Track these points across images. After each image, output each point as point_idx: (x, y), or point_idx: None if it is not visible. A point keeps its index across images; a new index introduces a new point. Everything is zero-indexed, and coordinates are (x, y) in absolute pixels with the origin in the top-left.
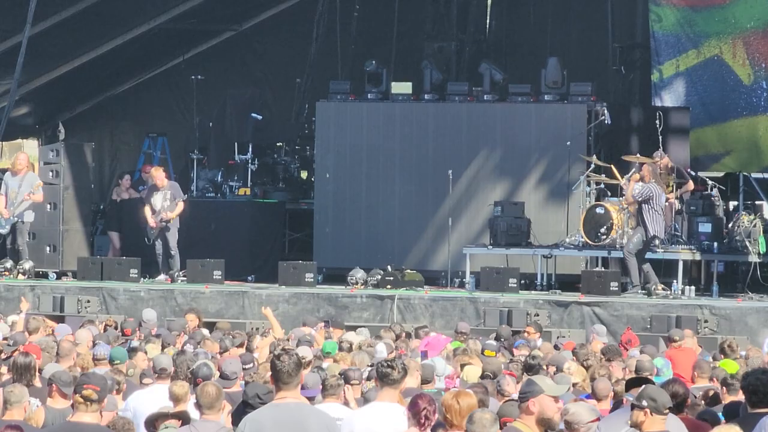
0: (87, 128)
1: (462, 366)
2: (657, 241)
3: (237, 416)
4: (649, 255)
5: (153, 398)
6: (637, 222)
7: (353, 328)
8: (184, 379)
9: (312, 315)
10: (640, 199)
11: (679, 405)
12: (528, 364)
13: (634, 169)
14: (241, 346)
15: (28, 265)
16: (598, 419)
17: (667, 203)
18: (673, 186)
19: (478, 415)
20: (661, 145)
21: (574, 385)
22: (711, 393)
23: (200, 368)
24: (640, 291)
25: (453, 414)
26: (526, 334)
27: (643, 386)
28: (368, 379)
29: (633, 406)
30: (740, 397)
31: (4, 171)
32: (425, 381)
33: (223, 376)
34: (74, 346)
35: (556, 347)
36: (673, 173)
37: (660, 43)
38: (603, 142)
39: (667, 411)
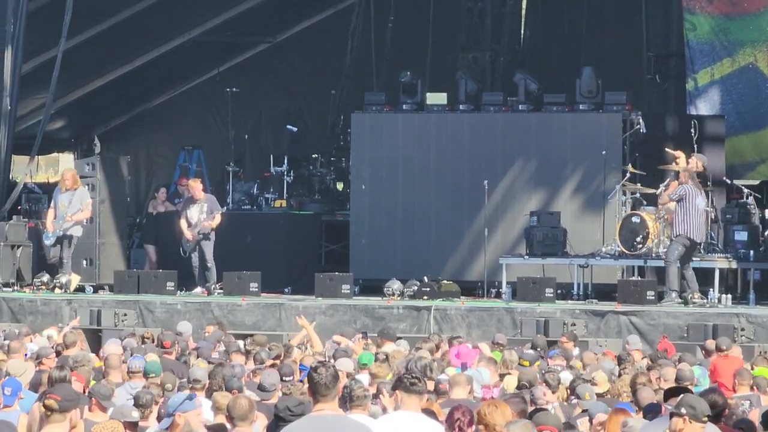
0: (122, 141)
1: (501, 376)
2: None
3: (272, 429)
4: None
5: None
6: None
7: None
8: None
9: (349, 326)
10: (675, 198)
11: (717, 414)
12: (571, 381)
13: (669, 178)
14: (277, 358)
15: (65, 278)
16: None
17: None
18: (710, 195)
19: (513, 427)
20: (696, 152)
21: (600, 395)
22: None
23: (231, 380)
24: (677, 299)
25: (488, 424)
26: (560, 344)
27: (682, 395)
28: (393, 389)
29: (672, 414)
30: None
31: (41, 185)
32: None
33: (261, 388)
34: (121, 359)
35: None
36: (708, 181)
37: (695, 51)
38: (638, 151)
39: (706, 419)
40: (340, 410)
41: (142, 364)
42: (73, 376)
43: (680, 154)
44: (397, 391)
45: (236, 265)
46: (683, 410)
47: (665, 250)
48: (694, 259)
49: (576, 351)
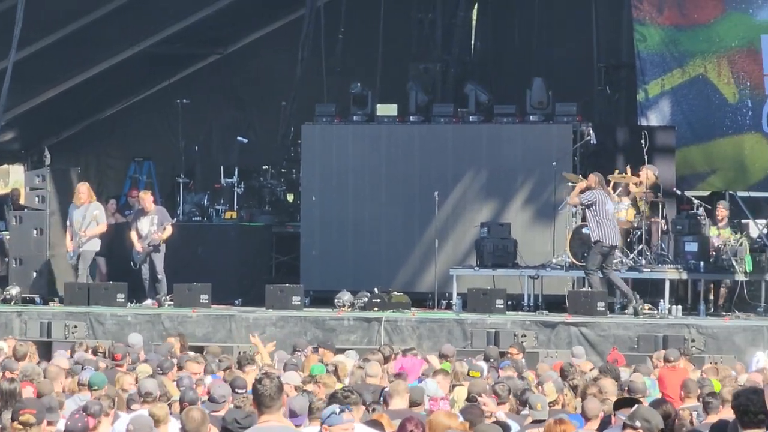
0: (73, 153)
1: (452, 387)
2: (616, 252)
3: None
4: (636, 275)
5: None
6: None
7: (341, 351)
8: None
9: (299, 338)
10: (585, 203)
11: (669, 426)
12: (519, 388)
13: (620, 189)
14: (227, 369)
15: (14, 290)
16: None
17: (624, 216)
18: (660, 206)
19: None
20: (646, 163)
21: (550, 404)
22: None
23: (186, 393)
24: (633, 305)
25: None
26: (509, 355)
27: (636, 406)
28: (329, 403)
29: (625, 426)
30: (720, 415)
31: None
32: (415, 403)
33: (212, 399)
34: (60, 371)
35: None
36: (658, 191)
37: (645, 62)
38: (589, 162)
39: None
40: (286, 421)
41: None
42: (28, 386)
43: (576, 180)
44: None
45: (187, 277)
46: (638, 423)
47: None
48: (643, 270)
49: (522, 362)
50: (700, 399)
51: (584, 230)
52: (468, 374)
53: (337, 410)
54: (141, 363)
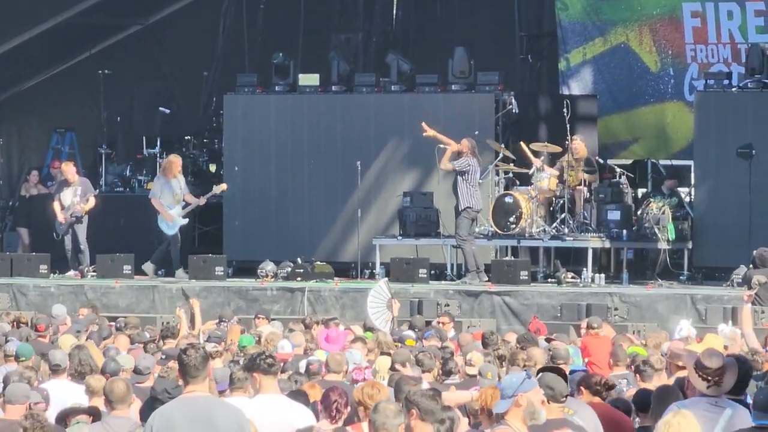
0: None
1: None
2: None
3: (146, 411)
4: (558, 243)
5: (51, 395)
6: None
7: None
8: (78, 373)
9: (223, 308)
10: (459, 169)
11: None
12: (443, 358)
13: (543, 157)
14: (152, 341)
15: None
16: None
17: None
18: (583, 178)
19: (382, 406)
20: (569, 133)
21: (474, 376)
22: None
23: (108, 364)
24: (482, 276)
25: (368, 406)
26: (440, 325)
27: (540, 374)
28: (248, 371)
29: None
30: (653, 383)
31: None
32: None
33: (137, 371)
34: None
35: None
36: (585, 162)
37: (567, 31)
38: (511, 131)
39: (565, 399)
40: (212, 392)
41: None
42: None
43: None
44: (255, 374)
45: (109, 248)
46: (542, 391)
47: (456, 228)
48: (566, 238)
49: (452, 332)
50: (630, 367)
51: (507, 199)
52: (405, 343)
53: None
54: (63, 334)
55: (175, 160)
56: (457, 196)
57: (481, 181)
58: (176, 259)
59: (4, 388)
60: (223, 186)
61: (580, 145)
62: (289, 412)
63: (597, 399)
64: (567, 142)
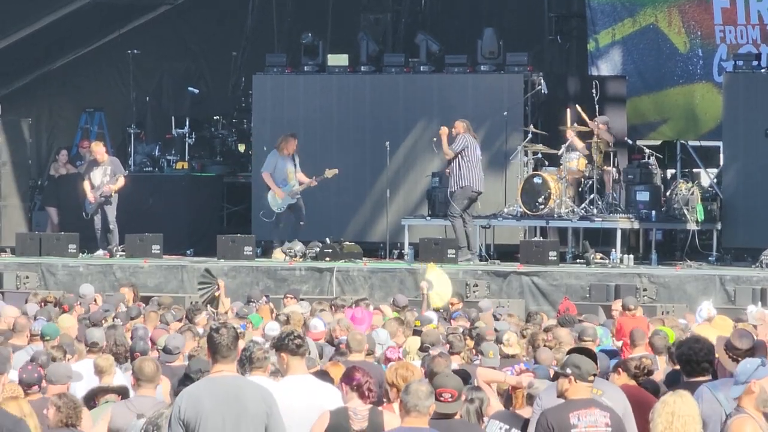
0: (24, 104)
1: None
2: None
3: (178, 390)
4: (587, 224)
5: (86, 372)
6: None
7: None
8: (113, 353)
9: (252, 288)
10: (458, 149)
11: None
12: (475, 336)
13: (570, 140)
14: (181, 320)
15: None
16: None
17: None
18: (612, 156)
19: (414, 387)
20: (598, 113)
21: (513, 356)
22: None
23: (137, 343)
24: (473, 255)
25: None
26: (450, 305)
27: (568, 355)
28: (277, 351)
29: (557, 375)
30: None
31: None
32: (368, 353)
33: (166, 351)
34: (29, 323)
35: (495, 317)
36: (610, 143)
37: (596, 12)
38: (540, 112)
39: (592, 378)
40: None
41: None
42: None
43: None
44: (282, 354)
45: (138, 228)
46: (568, 370)
47: (452, 205)
48: (595, 219)
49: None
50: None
51: (535, 180)
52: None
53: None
54: (63, 315)
55: (292, 139)
56: (456, 175)
57: (512, 160)
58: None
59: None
60: (335, 170)
61: (600, 125)
62: (318, 393)
63: (633, 382)
64: (596, 123)
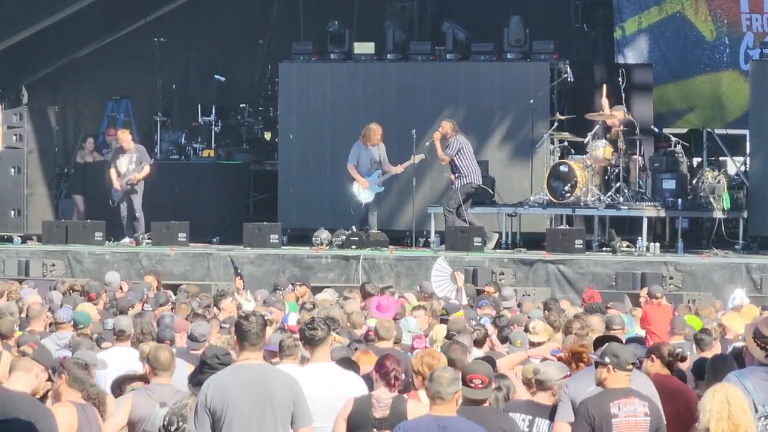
0: (50, 92)
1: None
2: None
3: (195, 376)
4: (613, 212)
5: (114, 360)
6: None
7: (319, 289)
8: (139, 341)
9: (278, 276)
10: (455, 153)
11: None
12: (499, 325)
13: (597, 128)
14: (207, 308)
15: None
16: (567, 376)
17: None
18: (638, 143)
19: (437, 374)
20: (624, 101)
21: (539, 344)
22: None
23: (163, 331)
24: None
25: (424, 375)
26: (485, 293)
27: (607, 343)
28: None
29: (596, 364)
30: (713, 351)
31: None
32: (395, 341)
33: (192, 338)
34: (43, 308)
35: (519, 305)
36: (633, 129)
37: (622, 0)
38: (566, 100)
39: (630, 367)
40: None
41: (69, 315)
42: None
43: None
44: (302, 342)
45: (164, 215)
46: (607, 359)
47: (447, 200)
48: (621, 207)
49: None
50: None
51: (562, 168)
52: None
53: None
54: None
55: (376, 128)
56: (461, 175)
57: (537, 149)
58: (373, 224)
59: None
60: (421, 155)
61: (617, 112)
62: (340, 381)
63: (665, 370)
64: (623, 110)
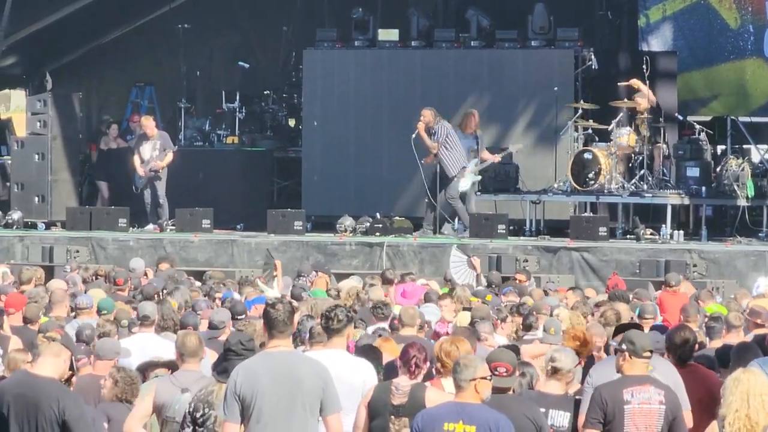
0: (74, 78)
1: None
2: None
3: (220, 363)
4: (637, 200)
5: (138, 346)
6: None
7: (344, 276)
8: (161, 327)
9: (302, 263)
10: (442, 140)
11: (689, 350)
12: (522, 313)
13: (621, 115)
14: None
15: (16, 215)
16: (579, 364)
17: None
18: (662, 131)
19: (458, 361)
20: (648, 89)
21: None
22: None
23: (187, 317)
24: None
25: (446, 363)
26: (516, 281)
27: (616, 330)
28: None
29: (615, 351)
30: (724, 340)
31: None
32: (419, 327)
33: (212, 326)
34: (66, 294)
35: (545, 292)
36: (658, 115)
37: None
38: (590, 88)
39: (648, 354)
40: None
41: (90, 301)
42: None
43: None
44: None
45: (188, 202)
46: (623, 346)
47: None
48: (645, 195)
49: (527, 287)
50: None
51: (586, 155)
52: (485, 299)
53: None
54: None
55: (472, 116)
56: (449, 161)
57: (562, 136)
58: (464, 216)
59: (77, 340)
60: (520, 145)
61: (639, 99)
62: (347, 368)
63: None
64: (649, 94)
